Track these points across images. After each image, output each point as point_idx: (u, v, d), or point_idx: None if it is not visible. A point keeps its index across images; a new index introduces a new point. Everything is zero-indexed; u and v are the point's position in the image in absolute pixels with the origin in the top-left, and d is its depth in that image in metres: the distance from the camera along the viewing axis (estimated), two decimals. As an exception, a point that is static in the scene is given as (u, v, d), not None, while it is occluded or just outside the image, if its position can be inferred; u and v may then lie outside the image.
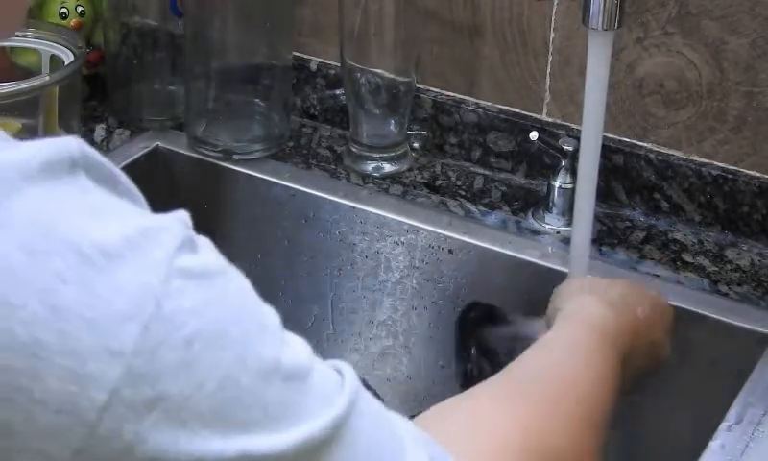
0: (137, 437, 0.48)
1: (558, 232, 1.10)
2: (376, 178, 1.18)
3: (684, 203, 1.12)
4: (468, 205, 1.15)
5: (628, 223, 1.13)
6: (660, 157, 1.12)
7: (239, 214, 1.19)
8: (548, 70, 1.15)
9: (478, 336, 0.97)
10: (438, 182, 1.18)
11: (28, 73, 1.16)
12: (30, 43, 1.17)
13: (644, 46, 1.10)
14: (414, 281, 1.12)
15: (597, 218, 1.09)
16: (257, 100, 1.22)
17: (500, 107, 1.19)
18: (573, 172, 1.08)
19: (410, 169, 1.19)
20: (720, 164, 1.10)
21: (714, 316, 1.00)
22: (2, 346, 0.47)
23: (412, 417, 0.65)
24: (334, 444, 0.54)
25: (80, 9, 1.24)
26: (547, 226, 1.11)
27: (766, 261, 1.07)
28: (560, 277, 1.01)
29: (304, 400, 0.53)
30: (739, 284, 1.04)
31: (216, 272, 0.52)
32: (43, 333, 0.47)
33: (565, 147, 1.10)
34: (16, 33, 1.16)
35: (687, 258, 1.08)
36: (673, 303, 1.01)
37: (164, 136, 1.23)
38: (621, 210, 1.14)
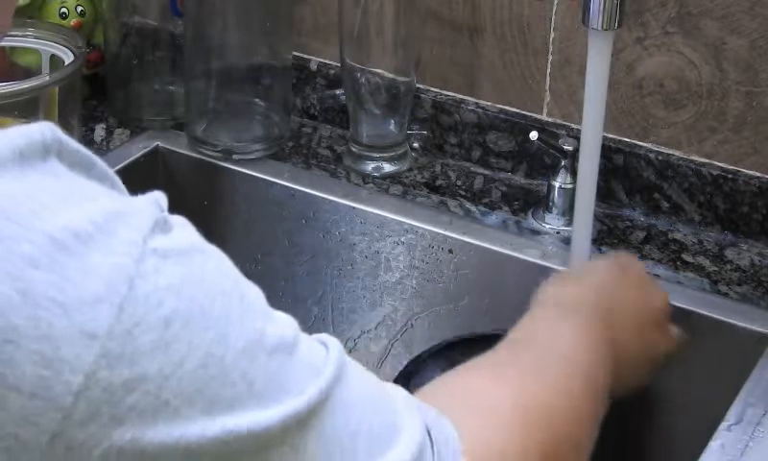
0: (115, 420, 0.48)
1: (558, 232, 1.10)
2: (376, 178, 1.18)
3: (683, 203, 1.12)
4: (468, 205, 1.15)
5: (628, 223, 1.13)
6: (660, 157, 1.12)
7: (239, 214, 1.19)
8: (548, 70, 1.15)
9: None
10: (438, 182, 1.18)
11: (28, 73, 1.16)
12: (30, 43, 1.17)
13: (644, 46, 1.10)
14: (414, 281, 1.12)
15: (597, 218, 1.09)
16: (257, 100, 1.22)
17: (500, 106, 1.19)
18: (573, 172, 1.08)
19: (410, 169, 1.19)
20: (720, 164, 1.10)
21: (714, 316, 1.00)
22: None
23: None
24: (324, 414, 0.54)
25: (80, 9, 1.24)
26: (547, 226, 1.11)
27: (766, 261, 1.07)
28: (560, 277, 1.01)
29: (291, 373, 0.53)
30: (739, 284, 1.04)
31: (193, 250, 0.52)
32: (16, 319, 0.47)
33: (565, 147, 1.10)
34: (16, 33, 1.16)
35: (687, 258, 1.08)
36: (673, 303, 1.01)
37: (164, 136, 1.23)
38: (621, 210, 1.14)
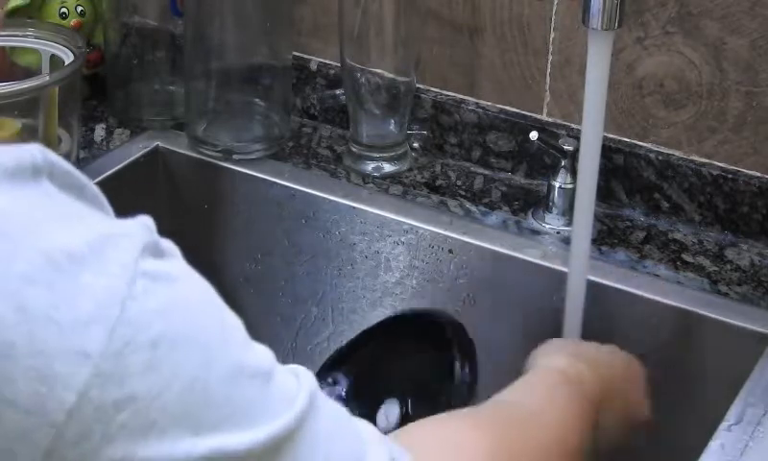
0: (106, 438, 0.49)
1: (558, 232, 1.10)
2: (376, 178, 1.18)
3: (684, 203, 1.12)
4: (468, 205, 1.15)
5: (628, 223, 1.13)
6: (660, 157, 1.12)
7: (239, 214, 1.19)
8: (548, 70, 1.15)
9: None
10: (438, 182, 1.18)
11: (28, 73, 1.16)
12: (30, 43, 1.16)
13: (644, 46, 1.10)
14: (414, 281, 1.12)
15: (597, 218, 1.09)
16: (257, 100, 1.22)
17: (500, 106, 1.19)
18: (573, 172, 1.08)
19: (410, 169, 1.19)
20: (720, 164, 1.10)
21: (714, 316, 1.00)
22: None
23: None
24: (297, 440, 0.55)
25: (80, 9, 1.24)
26: (547, 226, 1.11)
27: (766, 261, 1.07)
28: (560, 277, 1.01)
29: (268, 400, 0.54)
30: (739, 284, 1.04)
31: (180, 276, 0.53)
32: (12, 335, 0.47)
33: (565, 147, 1.10)
34: (16, 33, 1.16)
35: (687, 258, 1.08)
36: (673, 303, 1.01)
37: (164, 136, 1.23)
38: (621, 210, 1.14)
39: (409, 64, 1.17)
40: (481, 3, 1.16)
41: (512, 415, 0.77)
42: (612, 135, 1.13)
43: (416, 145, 1.22)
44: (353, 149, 1.19)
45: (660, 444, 1.03)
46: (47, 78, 1.11)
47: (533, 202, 1.15)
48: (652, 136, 1.13)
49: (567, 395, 0.83)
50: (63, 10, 1.24)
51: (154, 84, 1.26)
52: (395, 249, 1.12)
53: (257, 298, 1.18)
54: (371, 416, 0.94)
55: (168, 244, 0.54)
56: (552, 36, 1.14)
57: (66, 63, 1.13)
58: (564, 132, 1.14)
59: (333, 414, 0.59)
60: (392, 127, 1.18)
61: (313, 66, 1.27)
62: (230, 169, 1.19)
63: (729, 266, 1.07)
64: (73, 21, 1.24)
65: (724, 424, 0.86)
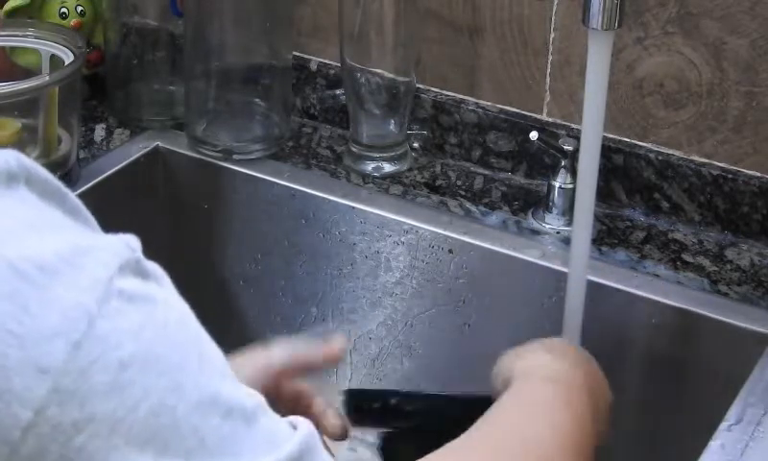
0: (63, 459, 0.47)
1: (558, 232, 1.10)
2: (376, 178, 1.18)
3: (683, 203, 1.12)
4: (468, 205, 1.15)
5: (628, 223, 1.13)
6: (660, 157, 1.12)
7: (239, 214, 1.19)
8: (548, 70, 1.15)
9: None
10: (438, 182, 1.18)
11: (28, 73, 1.16)
12: (30, 43, 1.16)
13: (644, 46, 1.10)
14: (414, 281, 1.12)
15: (597, 218, 1.09)
16: (257, 100, 1.22)
17: (500, 107, 1.19)
18: (573, 172, 1.08)
19: (410, 169, 1.19)
20: (720, 164, 1.10)
21: (714, 316, 1.00)
22: None
23: None
24: None
25: (80, 9, 1.24)
26: (547, 226, 1.11)
27: (766, 261, 1.07)
28: (560, 277, 1.01)
29: (246, 441, 0.52)
30: (739, 284, 1.04)
31: (160, 300, 0.51)
32: None
33: (565, 147, 1.10)
34: (16, 33, 1.16)
35: (687, 258, 1.08)
36: (673, 303, 1.01)
37: (164, 136, 1.23)
38: (621, 210, 1.14)
39: (409, 64, 1.17)
40: (481, 3, 1.16)
41: (506, 449, 0.73)
42: (611, 135, 1.13)
43: (416, 145, 1.22)
44: (353, 149, 1.19)
45: (661, 444, 1.03)
46: (47, 78, 1.11)
47: (533, 202, 1.15)
48: (652, 136, 1.13)
49: (565, 408, 0.79)
50: (63, 10, 1.24)
51: (153, 83, 1.26)
52: (395, 249, 1.12)
53: (257, 298, 1.18)
54: None
55: (154, 266, 0.52)
56: (552, 36, 1.14)
57: (66, 63, 1.12)
58: (563, 132, 1.14)
59: None
60: (392, 127, 1.18)
61: (313, 66, 1.27)
62: (230, 169, 1.19)
63: (729, 266, 1.07)
64: (73, 21, 1.24)
65: (724, 424, 0.86)
